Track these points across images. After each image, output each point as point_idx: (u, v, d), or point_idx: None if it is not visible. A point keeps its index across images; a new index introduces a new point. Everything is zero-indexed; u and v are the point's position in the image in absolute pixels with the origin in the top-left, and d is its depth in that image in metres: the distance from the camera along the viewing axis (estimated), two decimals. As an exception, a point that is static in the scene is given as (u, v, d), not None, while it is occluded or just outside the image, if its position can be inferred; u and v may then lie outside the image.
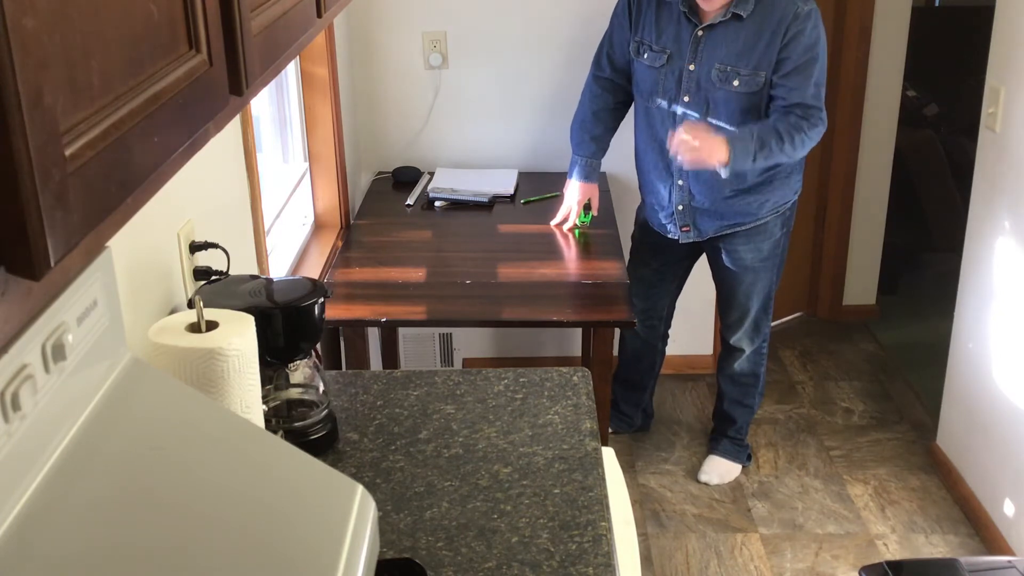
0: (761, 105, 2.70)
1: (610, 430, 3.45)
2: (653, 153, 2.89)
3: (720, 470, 3.23)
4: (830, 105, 3.97)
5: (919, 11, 4.29)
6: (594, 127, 2.99)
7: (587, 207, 3.02)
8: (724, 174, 2.66)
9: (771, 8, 2.62)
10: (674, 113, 2.78)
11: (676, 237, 2.96)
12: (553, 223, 3.03)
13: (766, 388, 3.47)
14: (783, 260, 3.03)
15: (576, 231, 2.99)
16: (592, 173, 3.02)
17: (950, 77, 4.81)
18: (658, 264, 3.12)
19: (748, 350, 3.12)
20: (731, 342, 3.13)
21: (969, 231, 3.04)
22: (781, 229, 2.94)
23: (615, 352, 2.74)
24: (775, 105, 2.68)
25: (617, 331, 3.31)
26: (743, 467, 3.27)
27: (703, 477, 3.22)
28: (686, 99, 2.75)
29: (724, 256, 2.98)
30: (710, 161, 2.64)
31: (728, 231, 2.90)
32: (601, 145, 3.03)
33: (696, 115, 2.74)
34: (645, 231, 3.08)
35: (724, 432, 3.26)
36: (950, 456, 3.18)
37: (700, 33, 2.68)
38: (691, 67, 2.71)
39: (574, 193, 3.00)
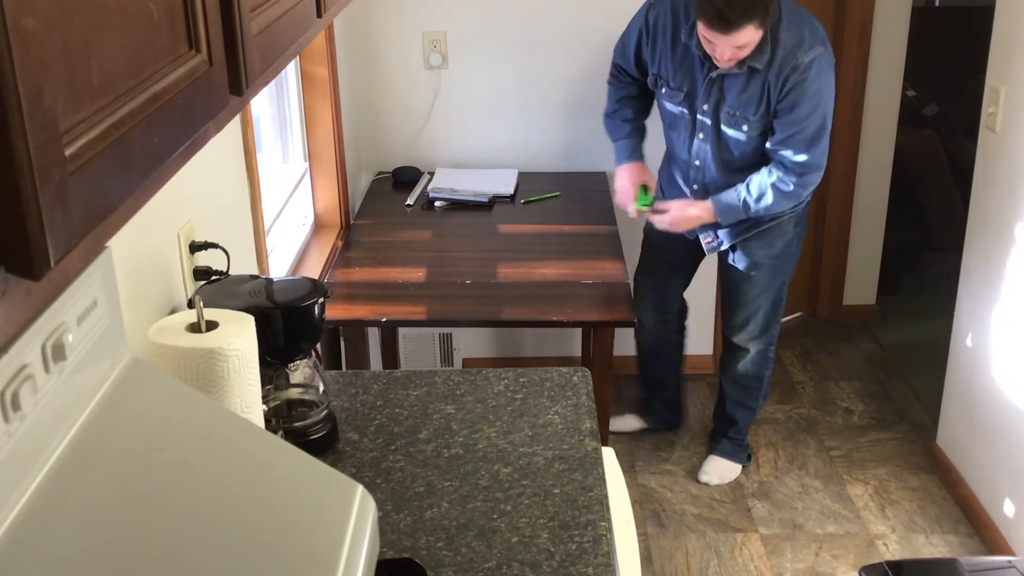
0: None
1: (645, 425, 3.46)
2: (675, 170, 2.94)
3: (720, 470, 3.22)
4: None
5: (919, 11, 4.29)
6: (624, 111, 2.97)
7: (645, 188, 2.93)
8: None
9: (778, 57, 2.58)
10: (691, 145, 2.83)
11: (704, 249, 3.00)
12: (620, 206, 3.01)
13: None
14: (795, 260, 3.00)
15: (642, 214, 2.93)
16: (633, 152, 2.95)
17: (950, 77, 4.81)
18: (669, 257, 3.11)
19: (753, 351, 3.09)
20: (735, 342, 3.10)
21: (969, 231, 3.04)
22: (795, 228, 2.91)
23: (615, 352, 2.74)
24: (770, 153, 2.70)
25: (631, 334, 3.32)
26: (743, 467, 3.26)
27: (703, 477, 3.21)
28: (700, 136, 2.78)
29: (736, 254, 2.96)
30: (693, 226, 2.84)
31: (746, 235, 2.90)
32: (635, 126, 2.97)
33: (709, 151, 2.78)
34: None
35: (724, 432, 3.25)
36: (950, 456, 3.18)
37: (714, 76, 2.67)
38: (704, 107, 2.73)
39: (621, 177, 2.95)
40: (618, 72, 2.94)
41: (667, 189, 2.99)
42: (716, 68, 2.64)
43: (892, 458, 3.34)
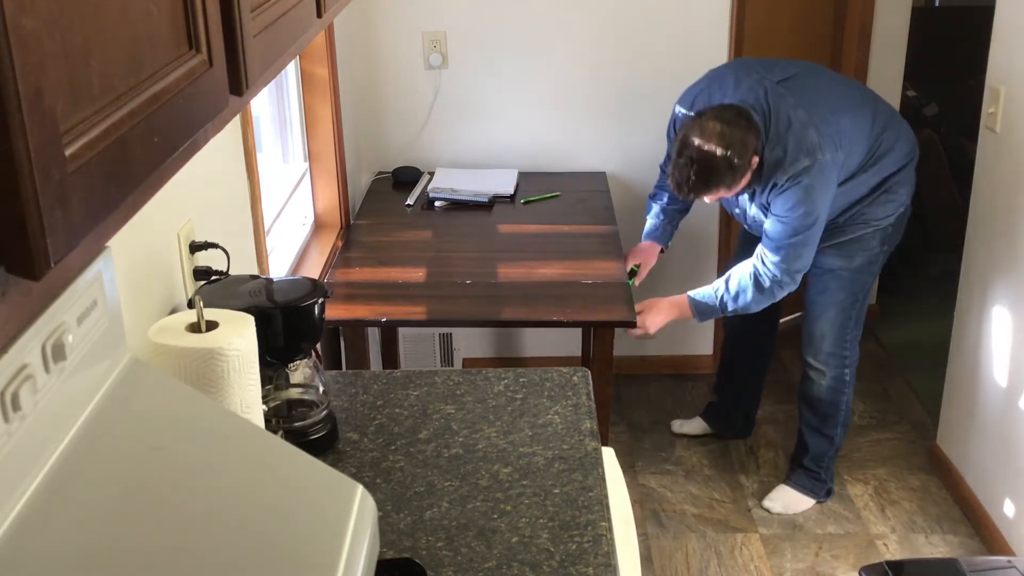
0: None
1: (710, 430, 3.44)
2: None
3: (785, 500, 3.09)
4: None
5: (919, 11, 4.29)
6: (661, 197, 3.05)
7: (634, 270, 3.00)
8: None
9: (764, 173, 2.58)
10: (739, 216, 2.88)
11: None
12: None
13: (767, 388, 3.47)
14: (873, 280, 2.92)
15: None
16: (650, 233, 3.07)
17: (950, 77, 4.81)
18: None
19: (828, 374, 2.94)
20: (807, 360, 2.97)
21: (969, 231, 3.04)
22: (881, 245, 2.80)
23: (615, 352, 2.74)
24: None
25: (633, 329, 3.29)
26: (818, 501, 3.10)
27: (766, 503, 3.09)
28: (747, 223, 2.84)
29: (812, 264, 2.82)
30: (662, 320, 2.80)
31: (825, 244, 2.80)
32: (664, 210, 3.05)
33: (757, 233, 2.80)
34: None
35: (800, 462, 3.10)
36: (950, 456, 3.18)
37: None
38: (739, 199, 2.76)
39: (636, 251, 3.05)
40: (666, 160, 2.92)
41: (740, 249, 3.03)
42: None
43: (892, 458, 3.34)
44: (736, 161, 2.49)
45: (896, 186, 2.74)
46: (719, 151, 2.47)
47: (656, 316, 2.79)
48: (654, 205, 3.06)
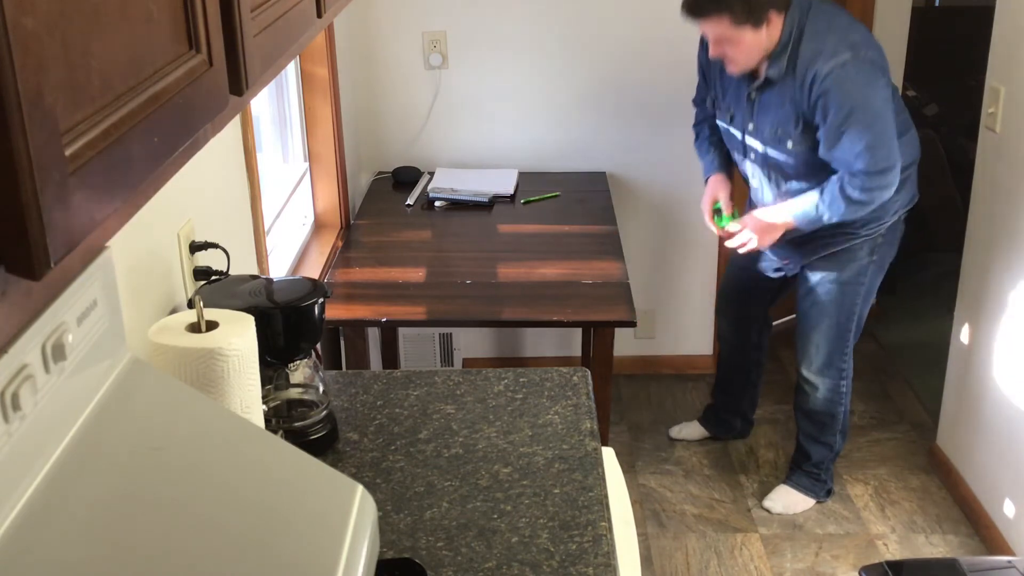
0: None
1: (707, 434, 3.42)
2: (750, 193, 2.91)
3: (786, 500, 3.09)
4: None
5: (919, 11, 4.29)
6: (703, 130, 2.95)
7: (719, 210, 2.88)
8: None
9: (799, 69, 2.48)
10: (744, 165, 2.80)
11: (773, 275, 2.96)
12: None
13: (767, 388, 3.47)
14: (869, 292, 2.83)
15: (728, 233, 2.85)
16: (710, 166, 2.91)
17: (950, 77, 4.81)
18: (752, 275, 3.04)
19: (821, 386, 2.93)
20: (802, 372, 2.97)
21: (969, 231, 3.04)
22: (869, 256, 2.75)
23: (615, 352, 2.73)
24: (829, 162, 2.56)
25: (631, 334, 3.30)
26: (818, 502, 3.10)
27: (766, 503, 3.09)
28: (752, 156, 2.74)
29: (803, 274, 2.86)
30: (777, 235, 2.69)
31: (815, 255, 2.79)
32: (714, 142, 2.91)
33: (759, 172, 2.73)
34: None
35: (799, 464, 3.10)
36: (950, 456, 3.18)
37: (753, 95, 2.62)
38: (750, 126, 2.67)
39: (705, 193, 2.92)
40: (697, 93, 2.94)
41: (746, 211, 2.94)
42: (753, 84, 2.60)
43: (892, 458, 3.34)
44: None
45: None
46: None
47: (757, 224, 2.71)
48: (702, 142, 2.96)
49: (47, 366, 0.84)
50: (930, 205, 4.50)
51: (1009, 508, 2.79)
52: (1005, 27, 2.79)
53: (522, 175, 3.45)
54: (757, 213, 2.76)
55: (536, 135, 3.54)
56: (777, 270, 2.97)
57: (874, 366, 3.92)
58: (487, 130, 3.52)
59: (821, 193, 2.58)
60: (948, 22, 5.20)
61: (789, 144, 2.59)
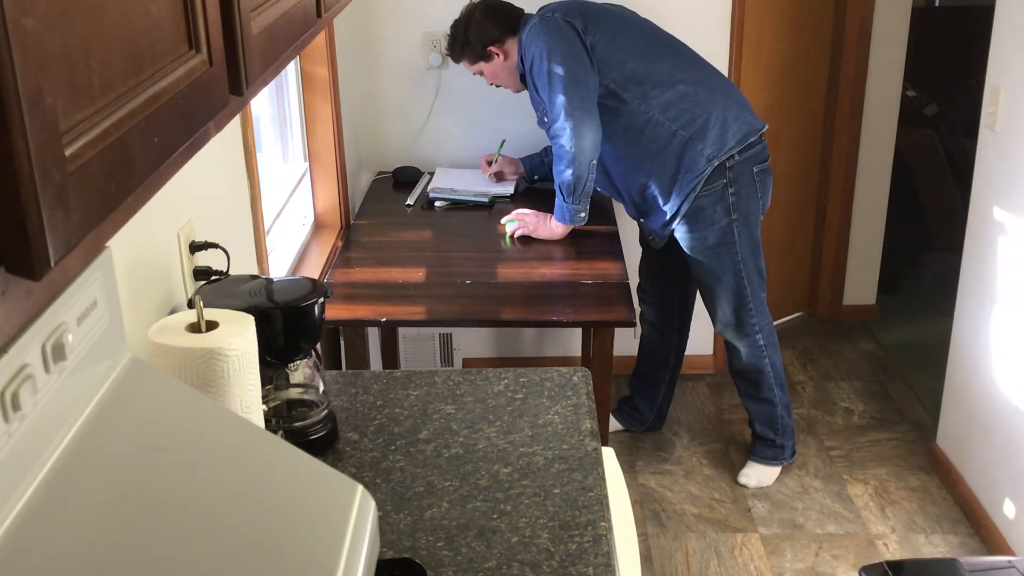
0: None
1: (620, 427, 3.44)
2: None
3: (756, 474, 3.19)
4: (831, 105, 3.98)
5: (919, 11, 4.29)
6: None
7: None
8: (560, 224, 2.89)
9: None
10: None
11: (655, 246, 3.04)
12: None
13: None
14: (748, 246, 2.86)
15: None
16: (528, 159, 3.37)
17: (950, 77, 4.81)
18: (661, 252, 3.10)
19: (740, 345, 3.02)
20: (724, 337, 3.06)
21: (969, 231, 3.04)
22: (728, 215, 2.80)
23: (615, 352, 2.74)
24: None
25: (631, 334, 3.32)
26: (784, 465, 3.21)
27: (741, 479, 3.18)
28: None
29: (677, 247, 2.94)
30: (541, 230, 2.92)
31: (662, 226, 2.90)
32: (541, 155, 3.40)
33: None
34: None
35: (754, 431, 3.19)
36: (950, 456, 3.18)
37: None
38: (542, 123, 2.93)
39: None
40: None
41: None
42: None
43: (892, 458, 3.34)
44: (469, 35, 2.89)
45: (692, 139, 2.75)
46: (460, 22, 2.93)
47: (544, 229, 2.92)
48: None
49: (47, 366, 0.84)
50: (930, 205, 4.51)
51: (1009, 508, 2.79)
52: (1005, 27, 2.79)
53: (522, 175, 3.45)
54: (536, 214, 2.97)
55: (536, 135, 3.53)
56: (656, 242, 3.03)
57: (874, 366, 3.92)
58: (488, 130, 3.52)
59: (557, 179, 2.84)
60: (948, 22, 5.20)
61: (546, 120, 2.83)
